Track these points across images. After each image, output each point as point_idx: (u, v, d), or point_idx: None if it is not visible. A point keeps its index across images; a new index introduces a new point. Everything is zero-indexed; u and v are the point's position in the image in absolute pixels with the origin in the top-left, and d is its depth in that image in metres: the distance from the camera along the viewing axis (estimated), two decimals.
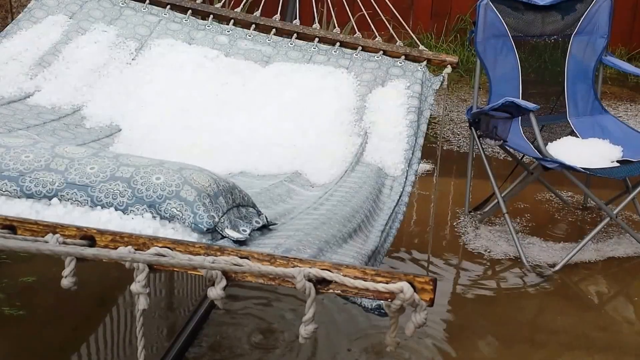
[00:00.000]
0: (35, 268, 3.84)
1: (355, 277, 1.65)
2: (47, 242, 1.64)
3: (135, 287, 1.67)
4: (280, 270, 1.66)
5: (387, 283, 1.63)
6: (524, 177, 4.68)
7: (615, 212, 4.33)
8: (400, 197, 3.15)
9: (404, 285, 1.61)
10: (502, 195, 4.52)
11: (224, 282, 1.68)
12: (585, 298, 4.16)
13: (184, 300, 3.98)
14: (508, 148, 4.61)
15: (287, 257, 1.71)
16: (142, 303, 1.69)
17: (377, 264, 2.55)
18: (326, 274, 1.65)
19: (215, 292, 1.68)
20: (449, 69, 3.86)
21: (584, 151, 4.48)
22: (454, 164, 5.83)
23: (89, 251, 1.60)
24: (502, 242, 4.55)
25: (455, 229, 4.74)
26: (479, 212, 4.90)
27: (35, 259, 3.88)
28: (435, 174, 5.37)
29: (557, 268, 4.27)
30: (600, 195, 4.56)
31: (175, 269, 1.68)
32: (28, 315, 3.57)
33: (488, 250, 4.47)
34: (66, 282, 1.67)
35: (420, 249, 4.49)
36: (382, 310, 1.91)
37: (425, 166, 5.56)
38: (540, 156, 4.24)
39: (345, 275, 1.65)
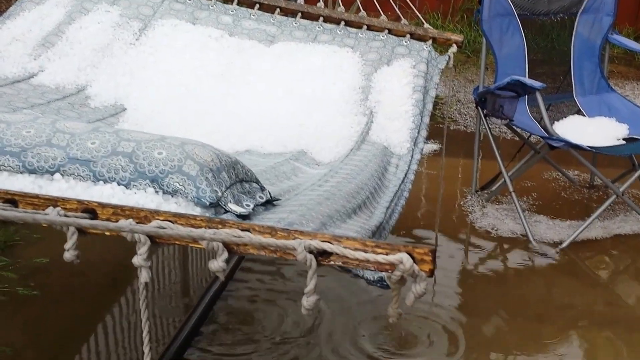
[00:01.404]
0: (47, 250, 3.84)
1: (356, 249, 1.66)
2: (47, 214, 1.65)
3: (137, 260, 1.68)
4: (281, 243, 1.67)
5: (387, 255, 1.64)
6: (531, 156, 4.68)
7: (621, 189, 4.33)
8: (405, 175, 3.15)
9: (404, 256, 1.62)
10: (509, 174, 4.52)
11: (225, 255, 1.69)
12: (592, 275, 4.17)
13: (198, 277, 4.00)
14: (515, 127, 4.60)
15: (288, 229, 1.71)
16: (144, 276, 1.70)
17: (381, 239, 2.56)
18: (327, 246, 1.66)
19: (216, 265, 1.68)
20: (454, 48, 3.85)
21: (590, 129, 4.47)
22: (462, 144, 5.81)
23: (88, 222, 1.61)
24: (509, 220, 4.54)
25: (463, 208, 4.74)
26: (486, 191, 4.90)
27: (47, 240, 3.89)
28: (442, 154, 5.38)
29: (564, 245, 4.27)
30: (606, 174, 4.55)
31: (176, 242, 1.69)
32: (41, 296, 3.58)
33: (495, 229, 4.47)
34: (68, 255, 1.68)
35: (428, 227, 4.49)
36: (384, 283, 1.92)
37: (433, 146, 5.55)
38: (547, 135, 4.24)
39: (345, 247, 1.66)
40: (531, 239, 4.30)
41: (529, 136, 4.79)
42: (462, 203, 4.80)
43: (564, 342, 3.54)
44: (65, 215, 1.67)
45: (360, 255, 1.65)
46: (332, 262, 1.67)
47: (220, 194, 2.10)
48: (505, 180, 4.51)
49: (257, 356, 3.27)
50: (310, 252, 1.66)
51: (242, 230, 1.70)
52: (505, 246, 4.34)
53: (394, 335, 3.47)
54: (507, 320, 3.67)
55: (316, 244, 1.66)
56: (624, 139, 4.38)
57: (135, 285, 3.73)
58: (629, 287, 4.05)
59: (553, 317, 3.70)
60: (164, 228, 1.66)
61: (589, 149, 4.14)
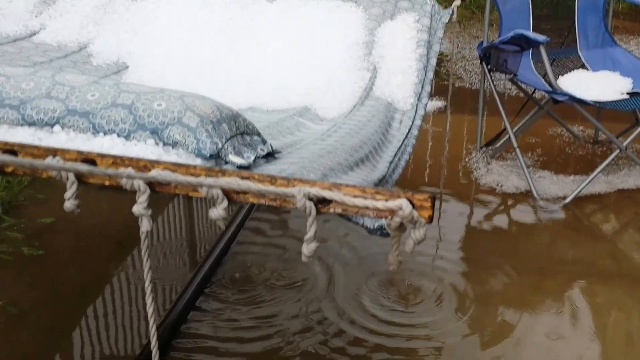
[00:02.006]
0: (53, 210, 3.86)
1: (355, 196, 1.66)
2: (45, 161, 1.65)
3: (137, 208, 1.68)
4: (281, 190, 1.66)
5: (386, 201, 1.64)
6: (535, 111, 4.67)
7: (625, 144, 4.32)
8: (409, 130, 3.14)
9: (403, 202, 1.61)
10: (513, 130, 4.52)
11: (225, 203, 1.69)
12: (595, 229, 4.18)
13: (206, 233, 4.01)
14: (519, 82, 4.59)
15: (287, 178, 1.71)
16: (145, 225, 1.70)
17: None
18: (326, 193, 1.65)
19: (217, 213, 1.68)
20: (457, 2, 3.84)
21: (594, 84, 4.46)
22: (467, 101, 5.81)
23: (86, 168, 1.61)
24: (513, 176, 4.55)
25: (468, 165, 4.74)
26: (490, 147, 4.90)
27: (52, 200, 3.90)
28: (447, 111, 5.37)
29: (567, 200, 4.27)
30: (611, 129, 4.55)
31: (175, 190, 1.69)
32: (47, 255, 3.60)
33: (500, 185, 4.48)
34: (68, 204, 1.68)
35: (432, 184, 4.50)
36: (384, 231, 1.92)
37: (438, 103, 5.55)
38: (551, 89, 4.23)
39: (345, 194, 1.66)
40: (535, 194, 4.31)
41: (533, 91, 4.78)
42: (466, 160, 4.80)
43: (568, 295, 3.55)
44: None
45: (360, 201, 1.64)
46: (331, 210, 1.67)
47: (220, 145, 2.10)
48: (509, 137, 4.50)
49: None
50: (310, 199, 1.66)
51: (242, 178, 1.70)
52: (510, 202, 4.35)
53: (400, 291, 3.49)
54: (511, 274, 3.68)
55: (315, 191, 1.65)
56: (627, 94, 4.36)
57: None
58: (632, 241, 4.06)
59: (557, 272, 3.71)
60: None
61: (593, 103, 4.13)
